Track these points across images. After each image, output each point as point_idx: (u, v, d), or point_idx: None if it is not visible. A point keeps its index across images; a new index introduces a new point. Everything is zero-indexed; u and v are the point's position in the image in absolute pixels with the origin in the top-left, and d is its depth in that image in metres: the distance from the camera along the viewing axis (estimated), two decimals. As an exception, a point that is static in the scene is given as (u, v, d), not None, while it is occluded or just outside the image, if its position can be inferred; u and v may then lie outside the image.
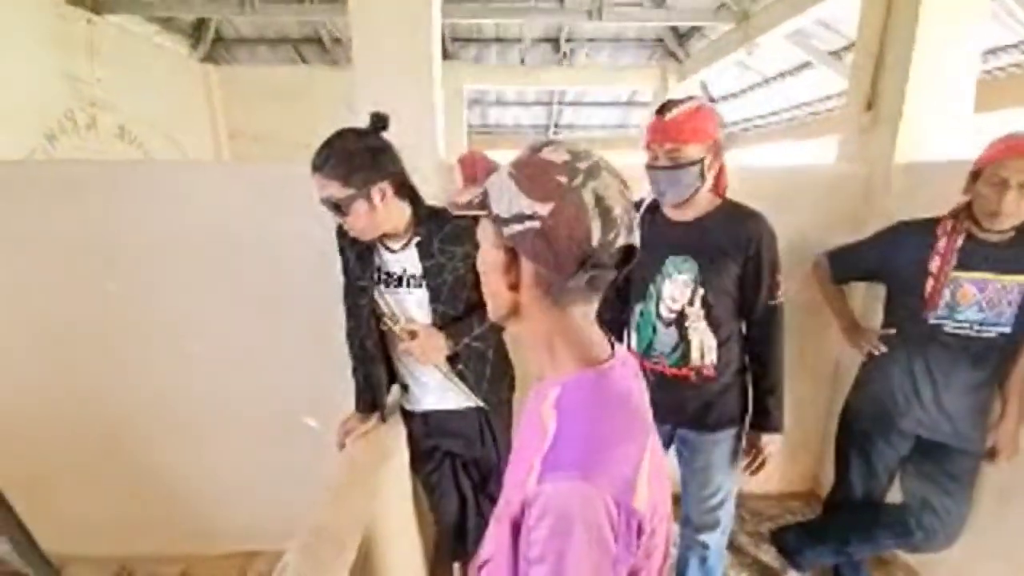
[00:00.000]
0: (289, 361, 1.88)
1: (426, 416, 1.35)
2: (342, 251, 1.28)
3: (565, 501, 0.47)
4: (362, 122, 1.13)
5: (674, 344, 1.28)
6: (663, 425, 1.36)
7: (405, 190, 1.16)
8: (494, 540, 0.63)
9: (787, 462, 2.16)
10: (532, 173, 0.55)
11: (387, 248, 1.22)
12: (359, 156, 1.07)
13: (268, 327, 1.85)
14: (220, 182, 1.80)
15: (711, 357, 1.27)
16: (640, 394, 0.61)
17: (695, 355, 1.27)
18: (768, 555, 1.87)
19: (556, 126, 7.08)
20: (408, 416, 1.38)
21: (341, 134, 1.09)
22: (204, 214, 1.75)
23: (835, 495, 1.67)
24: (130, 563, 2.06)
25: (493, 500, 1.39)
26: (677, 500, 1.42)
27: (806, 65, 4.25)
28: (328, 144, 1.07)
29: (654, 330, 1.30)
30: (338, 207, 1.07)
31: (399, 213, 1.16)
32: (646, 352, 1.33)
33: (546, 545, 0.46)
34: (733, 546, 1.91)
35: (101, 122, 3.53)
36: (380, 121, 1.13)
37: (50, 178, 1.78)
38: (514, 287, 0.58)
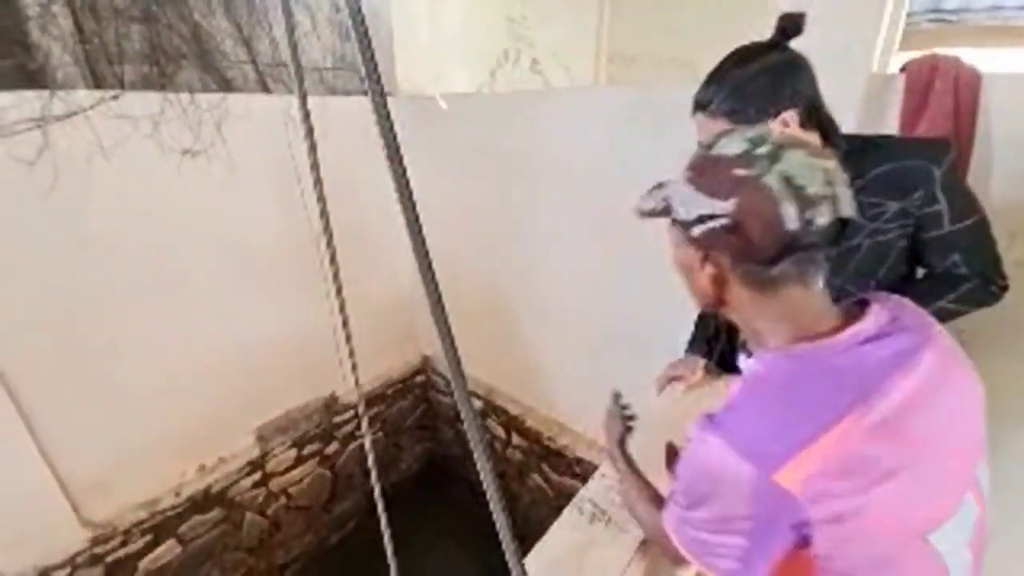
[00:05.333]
0: (619, 284, 2.09)
1: None
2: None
3: (703, 453, 0.55)
4: (768, 28, 0.89)
5: None
6: None
7: (815, 118, 0.86)
8: None
9: None
10: (707, 172, 0.56)
11: None
12: (754, 81, 0.82)
13: (619, 242, 2.03)
14: (595, 105, 1.94)
15: None
16: (867, 368, 0.52)
17: None
18: None
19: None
20: None
21: (732, 57, 0.86)
22: (581, 134, 1.97)
23: None
24: (490, 392, 2.93)
25: None
26: None
27: None
28: (715, 73, 0.86)
29: None
30: None
31: None
32: None
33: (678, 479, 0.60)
34: None
35: (523, 57, 4.34)
36: (790, 26, 0.83)
37: (489, 107, 2.35)
38: (716, 282, 0.59)
